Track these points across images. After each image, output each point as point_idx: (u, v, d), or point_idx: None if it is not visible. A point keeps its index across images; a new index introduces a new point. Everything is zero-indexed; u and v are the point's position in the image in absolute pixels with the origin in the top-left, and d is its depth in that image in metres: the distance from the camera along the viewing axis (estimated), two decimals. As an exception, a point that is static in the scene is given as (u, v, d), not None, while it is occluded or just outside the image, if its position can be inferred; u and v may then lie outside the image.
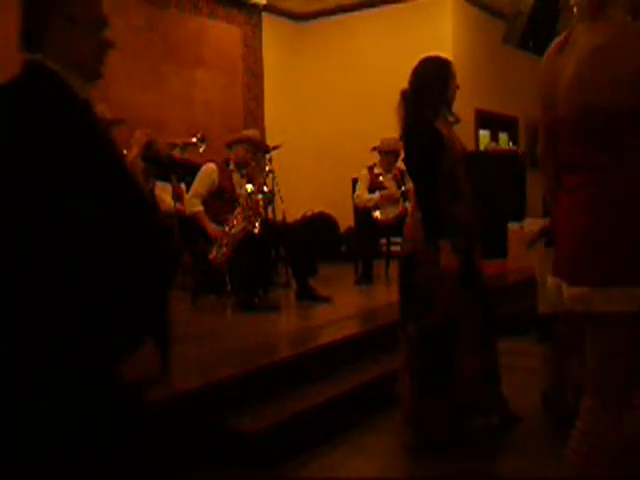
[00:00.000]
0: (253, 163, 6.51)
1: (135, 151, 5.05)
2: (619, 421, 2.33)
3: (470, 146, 8.91)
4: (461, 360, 3.81)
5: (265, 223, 6.24)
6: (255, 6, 9.56)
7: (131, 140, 5.15)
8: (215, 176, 6.21)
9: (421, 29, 9.34)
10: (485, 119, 10.24)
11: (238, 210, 6.05)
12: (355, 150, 8.67)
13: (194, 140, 6.34)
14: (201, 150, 6.30)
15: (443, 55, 4.02)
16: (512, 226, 7.84)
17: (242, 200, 6.10)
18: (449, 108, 3.95)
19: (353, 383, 4.53)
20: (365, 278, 7.32)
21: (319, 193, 9.70)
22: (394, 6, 9.68)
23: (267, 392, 4.10)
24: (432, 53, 4.03)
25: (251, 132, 7.07)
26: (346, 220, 8.66)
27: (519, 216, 8.08)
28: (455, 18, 9.48)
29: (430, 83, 3.84)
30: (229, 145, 6.47)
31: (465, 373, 3.83)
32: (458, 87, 3.96)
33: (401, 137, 3.96)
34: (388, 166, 7.52)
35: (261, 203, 6.29)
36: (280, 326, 5.57)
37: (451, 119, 3.98)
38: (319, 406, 4.17)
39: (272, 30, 10.01)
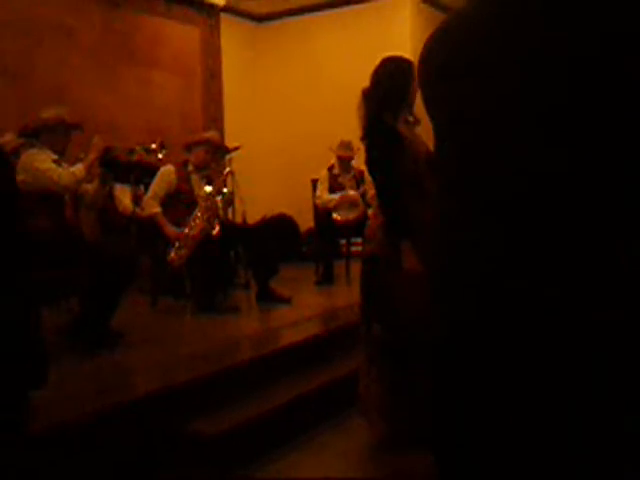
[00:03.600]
0: (212, 164, 6.48)
1: (93, 156, 5.02)
2: None
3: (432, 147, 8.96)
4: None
5: (224, 224, 6.22)
6: (213, 7, 9.52)
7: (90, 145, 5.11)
8: (173, 178, 6.17)
9: (380, 30, 9.37)
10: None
11: (197, 212, 6.02)
12: (315, 151, 8.66)
13: (154, 146, 6.33)
14: (160, 156, 6.28)
15: (405, 56, 4.03)
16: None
17: (201, 202, 6.07)
18: (410, 109, 3.95)
19: (314, 384, 4.52)
20: (326, 279, 7.33)
21: (279, 194, 9.68)
22: (353, 7, 9.72)
23: (229, 394, 4.07)
24: (393, 53, 4.03)
25: (210, 134, 7.03)
26: (306, 221, 8.67)
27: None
28: (413, 19, 9.52)
29: (391, 84, 3.84)
30: (188, 147, 6.43)
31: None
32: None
33: (362, 138, 3.96)
34: (346, 167, 7.57)
35: (220, 205, 6.28)
36: (240, 328, 5.54)
37: (411, 120, 3.99)
38: (281, 407, 4.17)
39: (231, 31, 9.97)
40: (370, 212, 4.18)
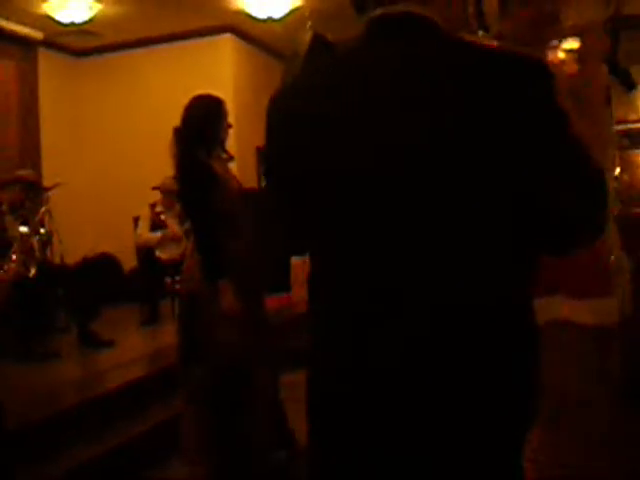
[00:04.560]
0: (28, 204, 6.24)
1: None
2: None
3: (252, 183, 9.04)
4: (254, 399, 3.82)
5: (42, 266, 5.99)
6: (31, 41, 9.17)
7: None
8: (-15, 219, 5.89)
9: (203, 67, 9.39)
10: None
11: (11, 253, 5.76)
12: (137, 188, 8.51)
13: None
14: None
15: (216, 94, 4.07)
16: (295, 259, 8.00)
17: (16, 243, 5.82)
18: (222, 146, 3.98)
19: (143, 427, 4.47)
20: (150, 318, 7.19)
21: (101, 233, 9.41)
22: (176, 44, 9.67)
23: (53, 442, 3.94)
24: (210, 91, 4.07)
25: (25, 172, 6.79)
26: (130, 260, 8.48)
27: (302, 249, 8.26)
28: (236, 58, 9.63)
29: (201, 121, 3.86)
30: (1, 186, 6.17)
31: (259, 411, 3.84)
32: (230, 126, 4.01)
33: (175, 176, 3.95)
34: (170, 204, 7.46)
35: (37, 245, 6.05)
36: (62, 374, 5.34)
37: (224, 157, 4.03)
38: (109, 452, 4.06)
39: (50, 66, 9.64)
40: (187, 250, 4.17)
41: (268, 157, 1.54)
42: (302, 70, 1.56)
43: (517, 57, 1.31)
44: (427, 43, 1.35)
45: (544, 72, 1.31)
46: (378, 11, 1.39)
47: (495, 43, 1.46)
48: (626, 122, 5.24)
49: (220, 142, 3.95)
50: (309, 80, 1.48)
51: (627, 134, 5.26)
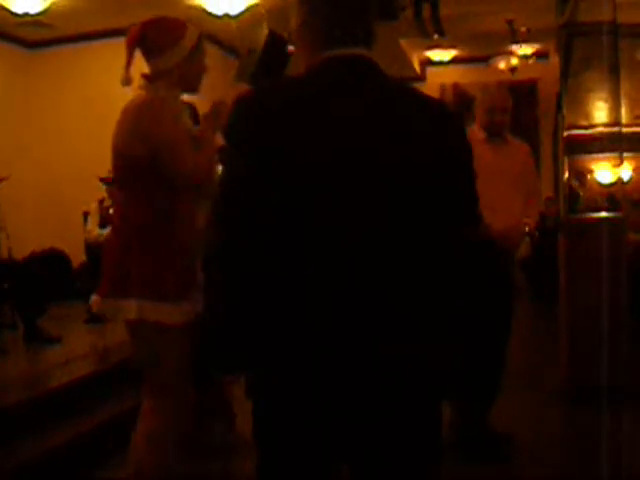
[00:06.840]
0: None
1: None
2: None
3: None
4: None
5: (-12, 261, 5.88)
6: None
7: None
8: None
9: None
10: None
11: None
12: (87, 183, 8.38)
13: None
14: None
15: None
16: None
17: (-39, 237, 5.71)
18: None
19: (90, 424, 4.42)
20: (97, 316, 7.09)
21: (50, 228, 9.28)
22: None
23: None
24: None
25: (-29, 164, 6.66)
26: (79, 256, 8.37)
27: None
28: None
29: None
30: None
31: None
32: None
33: None
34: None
35: (-17, 240, 5.94)
36: (7, 370, 5.26)
37: None
38: (55, 450, 4.00)
39: (1, 57, 9.48)
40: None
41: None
42: (259, 96, 1.73)
43: (438, 102, 1.82)
44: (372, 80, 1.70)
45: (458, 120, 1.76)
46: (332, 52, 1.69)
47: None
48: (576, 127, 5.32)
49: None
50: (274, 106, 1.65)
51: (577, 140, 5.34)
